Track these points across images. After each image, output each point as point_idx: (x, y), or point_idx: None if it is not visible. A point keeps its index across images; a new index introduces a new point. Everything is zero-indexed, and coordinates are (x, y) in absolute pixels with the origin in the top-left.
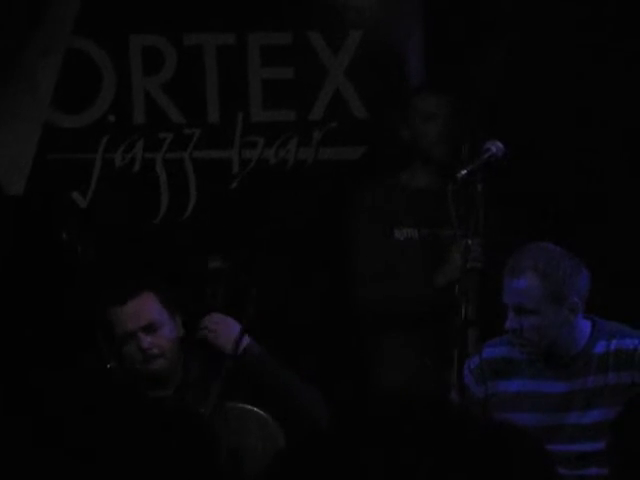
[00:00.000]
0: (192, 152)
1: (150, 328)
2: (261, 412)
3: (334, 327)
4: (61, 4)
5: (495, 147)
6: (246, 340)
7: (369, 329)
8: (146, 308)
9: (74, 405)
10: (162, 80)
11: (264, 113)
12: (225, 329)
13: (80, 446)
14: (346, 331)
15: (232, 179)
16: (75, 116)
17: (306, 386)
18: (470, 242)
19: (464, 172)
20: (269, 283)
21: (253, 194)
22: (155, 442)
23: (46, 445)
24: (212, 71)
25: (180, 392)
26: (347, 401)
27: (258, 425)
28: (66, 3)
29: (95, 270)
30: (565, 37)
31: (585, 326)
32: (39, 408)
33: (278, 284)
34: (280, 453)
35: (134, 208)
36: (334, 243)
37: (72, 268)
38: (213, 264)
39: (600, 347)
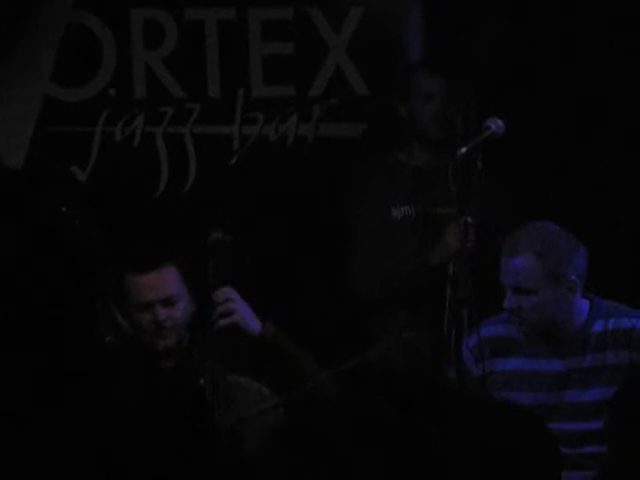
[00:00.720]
0: (192, 127)
1: (168, 301)
2: (261, 386)
3: (331, 304)
4: None
5: (495, 125)
6: (258, 322)
7: (365, 307)
8: (168, 280)
9: (73, 375)
10: (163, 54)
11: (264, 89)
12: (240, 307)
13: (80, 414)
14: (343, 308)
15: (232, 154)
16: (75, 89)
17: (318, 366)
18: (468, 220)
19: (464, 150)
20: (268, 258)
21: (253, 170)
22: (155, 412)
23: (45, 412)
24: (213, 46)
25: (182, 364)
26: (345, 379)
27: (258, 399)
28: None
29: (93, 242)
30: (563, 15)
31: (583, 305)
32: (38, 380)
33: (277, 260)
34: (278, 429)
35: (134, 182)
36: (333, 220)
37: (70, 242)
38: (215, 236)
39: (598, 326)
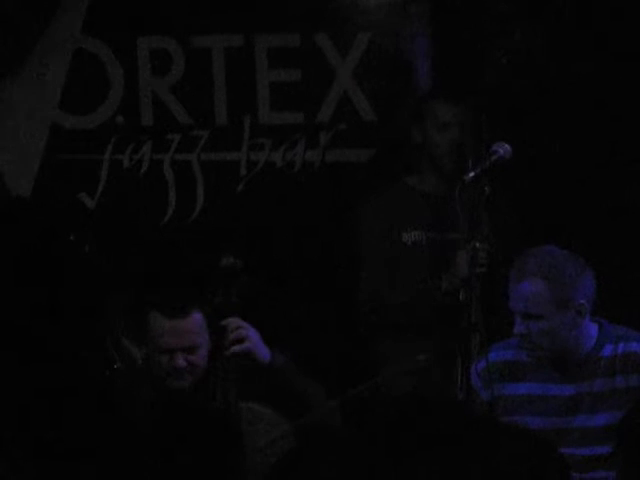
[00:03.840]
0: (200, 154)
1: (190, 349)
2: (272, 413)
3: (340, 329)
4: (69, 5)
5: (502, 149)
6: (268, 350)
7: (375, 332)
8: (193, 329)
9: (84, 404)
10: (170, 82)
11: (272, 115)
12: (252, 335)
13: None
14: (352, 334)
15: (239, 181)
16: (83, 117)
17: (322, 393)
18: (477, 246)
19: (472, 174)
20: (276, 285)
21: (260, 196)
22: (176, 435)
23: (57, 441)
24: (220, 73)
25: (195, 388)
26: (354, 404)
27: (269, 426)
28: (74, 4)
29: (102, 270)
30: (567, 40)
31: (592, 329)
32: (47, 407)
33: (284, 286)
34: (287, 455)
35: (142, 209)
36: (341, 245)
37: (79, 269)
38: (226, 261)
39: (607, 350)
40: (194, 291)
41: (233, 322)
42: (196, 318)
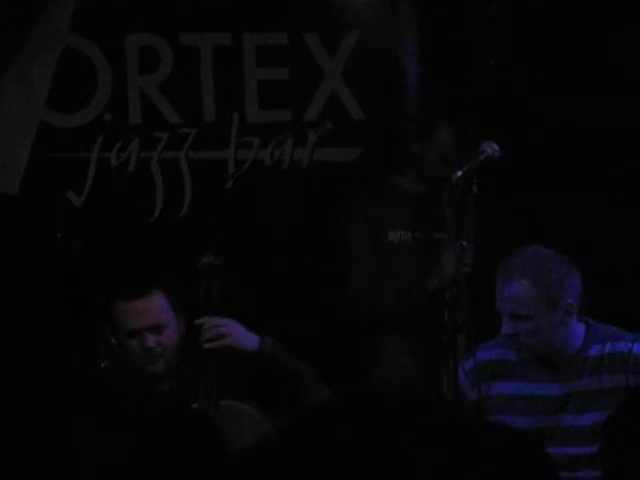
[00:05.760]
0: (188, 152)
1: (156, 328)
2: (255, 410)
3: (327, 328)
4: (57, 3)
5: (490, 149)
6: (255, 338)
7: (361, 331)
8: (155, 307)
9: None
10: (158, 80)
11: (260, 113)
12: (233, 330)
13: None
14: (338, 333)
15: (227, 179)
16: (71, 115)
17: (315, 377)
18: (464, 245)
19: (459, 173)
20: (262, 283)
21: (248, 194)
22: (157, 436)
23: (36, 441)
24: (208, 71)
25: (176, 388)
26: (340, 403)
27: (251, 424)
28: (62, 2)
29: (90, 269)
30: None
31: (579, 329)
32: (28, 405)
33: (271, 284)
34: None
35: (129, 207)
36: (328, 244)
37: (66, 267)
38: (206, 260)
39: (594, 350)
40: (151, 271)
41: (208, 322)
42: (157, 296)
